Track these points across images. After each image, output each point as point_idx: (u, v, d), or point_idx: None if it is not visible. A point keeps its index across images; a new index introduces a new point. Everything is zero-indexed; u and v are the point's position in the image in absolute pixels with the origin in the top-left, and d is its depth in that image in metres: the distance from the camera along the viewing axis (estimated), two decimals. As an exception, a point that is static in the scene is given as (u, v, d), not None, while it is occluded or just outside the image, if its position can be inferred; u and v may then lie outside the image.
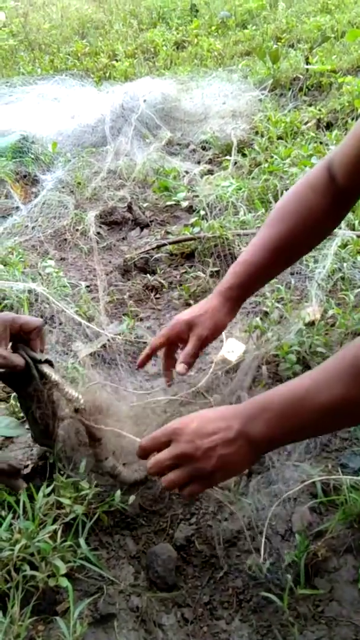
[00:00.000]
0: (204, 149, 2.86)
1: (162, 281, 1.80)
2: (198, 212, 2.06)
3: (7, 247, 2.01)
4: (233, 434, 0.77)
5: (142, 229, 2.24)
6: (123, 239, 2.24)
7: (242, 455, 0.77)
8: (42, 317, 1.62)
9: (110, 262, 2.04)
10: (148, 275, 1.86)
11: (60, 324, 1.59)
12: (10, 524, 0.92)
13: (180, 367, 1.04)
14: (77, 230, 2.25)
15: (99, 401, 1.01)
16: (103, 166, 2.76)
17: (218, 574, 0.95)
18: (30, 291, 1.61)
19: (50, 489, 0.97)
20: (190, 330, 1.06)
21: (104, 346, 1.52)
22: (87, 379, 1.36)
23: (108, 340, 1.52)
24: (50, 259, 1.90)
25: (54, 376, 0.95)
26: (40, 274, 1.78)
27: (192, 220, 2.01)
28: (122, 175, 2.68)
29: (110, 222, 2.33)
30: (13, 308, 1.59)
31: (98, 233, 2.22)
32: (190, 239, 1.89)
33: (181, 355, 1.06)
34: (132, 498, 1.00)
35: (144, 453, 0.85)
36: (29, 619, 0.83)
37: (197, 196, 2.19)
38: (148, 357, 1.12)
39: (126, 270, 1.94)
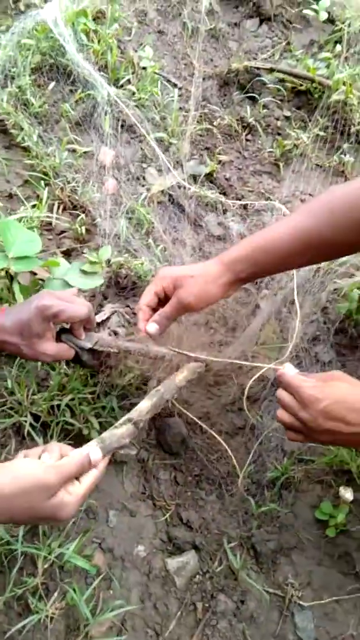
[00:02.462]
0: None
1: (260, 120, 1.58)
2: (338, 32, 1.66)
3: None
4: (356, 433, 0.78)
5: (261, 22, 1.83)
6: (235, 25, 1.85)
7: (353, 446, 0.84)
8: (119, 121, 1.47)
9: (211, 60, 1.73)
10: (247, 100, 1.62)
11: (140, 141, 1.46)
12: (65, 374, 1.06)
13: (150, 326, 0.94)
14: (187, -8, 1.82)
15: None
16: None
17: (213, 456, 1.15)
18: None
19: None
20: (174, 289, 0.94)
21: (178, 186, 1.44)
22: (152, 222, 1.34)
23: (181, 181, 1.43)
24: (148, 45, 1.59)
25: (113, 350, 0.95)
26: (133, 63, 1.53)
27: (323, 54, 1.65)
28: None
29: (230, -8, 1.88)
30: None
31: (209, 4, 1.82)
32: (306, 79, 1.59)
33: (156, 313, 0.95)
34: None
35: (278, 378, 0.84)
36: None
37: (345, 8, 1.73)
38: (147, 321, 0.96)
39: (225, 83, 1.67)
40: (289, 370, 0.84)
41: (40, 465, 0.70)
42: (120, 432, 0.83)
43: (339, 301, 1.26)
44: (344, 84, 1.48)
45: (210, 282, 0.92)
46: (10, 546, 0.91)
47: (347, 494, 1.07)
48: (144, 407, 0.89)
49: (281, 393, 0.83)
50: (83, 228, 1.30)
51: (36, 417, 1.06)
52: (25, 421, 1.04)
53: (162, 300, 0.97)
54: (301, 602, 1.01)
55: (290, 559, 1.06)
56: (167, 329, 0.96)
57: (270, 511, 1.09)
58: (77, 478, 0.74)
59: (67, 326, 0.94)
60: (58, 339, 0.93)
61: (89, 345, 0.94)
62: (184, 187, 1.42)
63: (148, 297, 0.96)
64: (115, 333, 1.03)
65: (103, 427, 1.09)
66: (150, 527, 1.06)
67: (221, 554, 1.05)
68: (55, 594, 0.90)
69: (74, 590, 0.90)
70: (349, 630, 0.99)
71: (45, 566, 0.92)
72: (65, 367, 1.09)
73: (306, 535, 1.08)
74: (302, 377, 0.83)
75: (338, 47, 1.58)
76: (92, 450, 0.76)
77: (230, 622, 1.00)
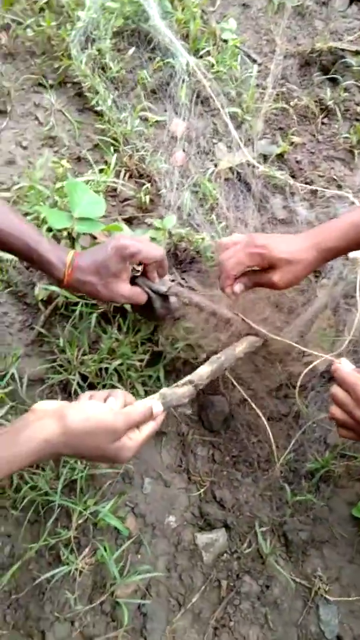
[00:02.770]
0: None
1: (339, 104, 1.52)
2: None
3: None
4: None
5: (351, 2, 1.75)
6: (324, 3, 1.77)
7: None
8: (194, 93, 1.45)
9: (295, 38, 1.67)
10: (327, 82, 1.56)
11: (213, 115, 1.43)
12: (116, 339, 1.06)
13: (238, 286, 0.93)
14: None
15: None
16: None
17: (253, 439, 1.14)
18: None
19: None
20: (269, 268, 0.91)
21: (247, 164, 1.41)
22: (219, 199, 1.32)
23: (251, 159, 1.39)
24: (232, 17, 1.55)
25: (186, 300, 0.95)
26: (215, 35, 1.49)
27: None
28: None
29: None
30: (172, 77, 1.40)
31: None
32: None
33: (244, 277, 0.93)
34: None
35: (333, 373, 0.82)
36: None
37: None
38: (232, 283, 0.94)
39: (307, 63, 1.61)
40: (345, 366, 0.81)
41: (110, 411, 0.74)
42: (181, 391, 0.87)
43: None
44: None
45: (305, 269, 0.92)
46: (49, 497, 0.93)
47: (388, 495, 1.04)
48: (204, 371, 0.92)
49: (336, 389, 0.81)
50: (147, 197, 1.29)
51: (84, 378, 1.08)
52: (74, 380, 1.06)
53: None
54: (327, 596, 0.99)
55: (321, 552, 1.04)
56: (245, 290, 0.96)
57: (305, 502, 1.07)
58: (137, 426, 0.78)
59: (140, 272, 0.97)
60: (132, 283, 0.94)
61: (163, 289, 0.96)
62: (253, 166, 1.38)
63: (238, 268, 0.92)
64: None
65: (147, 395, 1.09)
66: (183, 500, 1.06)
67: (251, 537, 1.04)
68: (87, 550, 0.92)
69: (105, 548, 0.91)
70: (374, 631, 0.96)
71: (80, 521, 0.94)
72: (116, 332, 1.10)
73: (340, 531, 1.05)
74: (355, 374, 0.80)
75: None
76: (155, 403, 0.81)
77: (253, 604, 0.99)
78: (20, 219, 0.91)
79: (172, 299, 0.98)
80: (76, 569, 0.90)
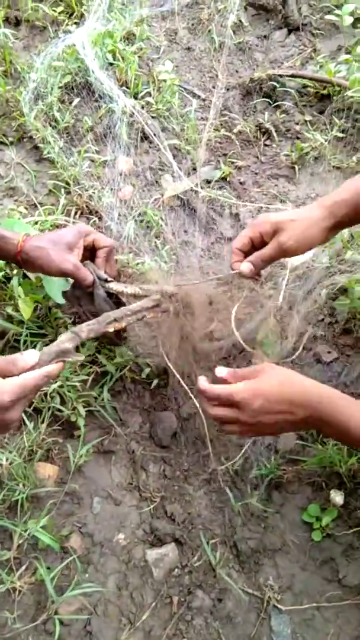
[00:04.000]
0: None
1: (279, 126, 1.57)
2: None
3: (134, 17, 1.74)
4: (298, 419, 0.78)
5: (289, 32, 1.83)
6: (264, 37, 1.86)
7: (298, 430, 0.86)
8: (138, 132, 1.52)
9: (236, 71, 1.75)
10: (269, 106, 1.62)
11: (158, 150, 1.50)
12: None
13: (245, 265, 0.95)
14: (217, 7, 1.86)
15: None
16: None
17: (202, 452, 1.13)
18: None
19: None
20: (274, 234, 0.92)
21: (192, 190, 1.46)
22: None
23: (194, 185, 1.45)
24: (169, 60, 1.64)
25: (127, 289, 0.98)
26: (154, 77, 1.58)
27: (343, 56, 1.61)
28: None
29: (259, 5, 1.90)
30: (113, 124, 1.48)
31: (239, 21, 1.85)
32: (325, 82, 1.55)
33: (253, 255, 0.95)
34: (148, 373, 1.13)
35: (203, 394, 0.83)
36: (50, 437, 1.07)
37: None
38: (239, 259, 0.98)
39: (248, 92, 1.68)
40: (203, 383, 0.82)
41: None
42: (61, 337, 0.87)
43: (340, 299, 1.20)
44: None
45: (312, 226, 0.91)
46: (-11, 520, 0.95)
47: (337, 497, 1.01)
48: (90, 322, 0.93)
49: (215, 410, 0.81)
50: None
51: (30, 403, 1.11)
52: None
53: (257, 245, 0.96)
54: (279, 606, 0.96)
55: (274, 561, 1.01)
56: (260, 272, 0.97)
57: (256, 510, 1.05)
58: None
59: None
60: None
61: (105, 276, 1.01)
62: (196, 192, 1.43)
63: (242, 240, 0.95)
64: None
65: (92, 415, 1.11)
66: (134, 517, 1.06)
67: (202, 550, 1.02)
68: (23, 569, 0.93)
69: (44, 567, 0.92)
70: (326, 635, 0.92)
71: (20, 541, 0.95)
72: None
73: (291, 538, 1.02)
74: (231, 383, 0.81)
75: (359, 49, 1.53)
76: (29, 353, 0.79)
77: (206, 619, 0.97)
78: None
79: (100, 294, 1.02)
80: (14, 589, 0.90)
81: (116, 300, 1.05)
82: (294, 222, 0.91)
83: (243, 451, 1.10)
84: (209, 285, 1.13)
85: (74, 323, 1.17)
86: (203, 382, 0.83)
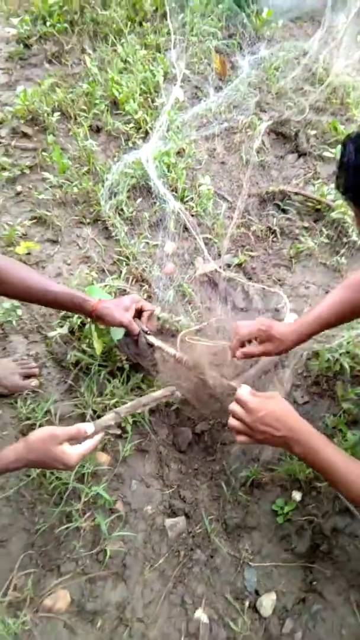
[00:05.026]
0: None
1: (284, 228, 2.11)
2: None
3: (185, 138, 2.33)
4: (278, 435, 1.12)
5: (299, 156, 2.40)
6: (281, 157, 2.43)
7: (276, 445, 1.18)
8: (182, 225, 2.07)
9: (257, 183, 2.31)
10: (278, 212, 2.17)
11: (194, 239, 2.05)
12: (115, 387, 1.60)
13: (239, 353, 1.44)
14: (247, 133, 2.46)
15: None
16: (307, 46, 2.71)
17: (208, 458, 1.61)
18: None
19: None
20: (267, 339, 1.40)
21: (216, 271, 1.99)
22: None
23: (218, 268, 1.98)
24: (208, 175, 2.22)
25: (157, 343, 1.50)
26: (196, 190, 2.15)
27: (332, 184, 2.16)
28: (317, 75, 2.66)
29: (279, 132, 2.49)
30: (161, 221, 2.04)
31: (262, 142, 2.43)
32: (318, 201, 2.10)
33: (247, 348, 1.43)
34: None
35: (235, 396, 1.19)
36: (106, 436, 1.56)
37: None
38: (239, 347, 1.45)
39: (264, 200, 2.23)
40: (242, 389, 1.30)
41: (54, 427, 1.18)
42: (107, 417, 1.31)
43: (312, 360, 1.69)
44: (342, 207, 1.98)
45: (289, 347, 1.42)
46: (67, 484, 1.44)
47: (297, 495, 1.48)
48: (127, 405, 1.40)
49: (234, 406, 1.25)
50: (145, 295, 1.88)
51: (95, 412, 1.60)
52: (87, 414, 1.59)
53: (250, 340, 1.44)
54: (251, 563, 1.41)
55: (250, 535, 1.46)
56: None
57: (242, 500, 1.51)
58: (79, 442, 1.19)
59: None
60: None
61: (146, 329, 1.52)
62: (218, 272, 1.96)
63: (249, 335, 1.41)
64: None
65: (135, 425, 1.60)
66: (158, 496, 1.53)
67: (202, 523, 1.48)
68: (87, 515, 1.40)
69: (100, 515, 1.39)
70: (279, 586, 1.36)
71: (85, 499, 1.42)
72: (116, 382, 1.63)
73: (264, 520, 1.48)
74: (251, 395, 1.28)
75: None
76: (88, 425, 1.22)
77: (201, 568, 1.42)
78: (60, 285, 1.48)
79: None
80: (80, 527, 1.38)
81: (151, 346, 1.56)
82: (281, 342, 1.40)
83: (240, 447, 1.57)
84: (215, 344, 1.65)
85: (127, 360, 1.67)
86: (243, 389, 1.20)
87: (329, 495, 1.47)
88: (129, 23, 2.82)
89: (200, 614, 1.33)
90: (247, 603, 1.34)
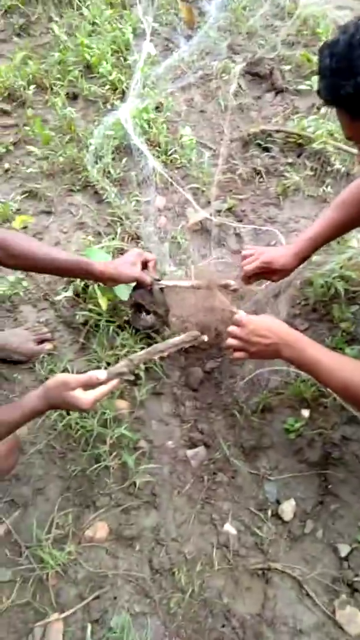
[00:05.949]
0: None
1: (268, 167, 2.14)
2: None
3: (162, 92, 2.34)
4: (269, 343, 1.24)
5: (276, 94, 2.40)
6: (258, 97, 2.43)
7: (268, 355, 1.29)
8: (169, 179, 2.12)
9: (238, 127, 2.33)
10: (261, 152, 2.19)
11: (175, 191, 2.10)
12: (124, 339, 1.70)
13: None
14: (222, 78, 2.45)
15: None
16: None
17: (220, 392, 1.71)
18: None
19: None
20: (267, 270, 1.54)
21: (207, 219, 2.04)
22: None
23: (208, 215, 2.03)
24: (188, 125, 2.24)
25: (171, 283, 1.58)
26: (178, 143, 2.18)
27: (312, 116, 2.17)
28: (286, 8, 2.62)
29: (254, 73, 2.48)
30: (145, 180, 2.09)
31: (239, 85, 2.43)
32: (299, 135, 2.12)
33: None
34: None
35: (233, 320, 1.31)
36: (122, 384, 1.66)
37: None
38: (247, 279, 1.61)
39: (246, 143, 2.25)
40: (240, 314, 1.37)
41: (68, 374, 1.32)
42: (119, 364, 1.36)
43: (307, 289, 1.76)
44: (323, 136, 2.00)
45: (291, 272, 1.58)
46: (92, 430, 1.55)
47: (305, 413, 1.58)
48: (141, 352, 1.43)
49: (230, 327, 1.34)
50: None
51: (108, 364, 1.70)
52: (101, 366, 1.69)
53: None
54: (270, 477, 1.52)
55: (266, 453, 1.57)
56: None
57: (255, 424, 1.62)
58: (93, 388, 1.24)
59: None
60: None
61: (157, 276, 1.61)
62: (210, 220, 2.02)
63: (253, 269, 1.55)
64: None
65: (147, 370, 1.70)
66: (177, 432, 1.64)
67: (221, 449, 1.59)
68: (113, 455, 1.52)
69: (126, 453, 1.51)
70: (298, 494, 1.48)
71: (110, 441, 1.54)
72: (125, 334, 1.73)
73: (277, 439, 1.59)
74: (246, 315, 1.33)
75: (323, 110, 2.10)
76: (99, 372, 1.26)
77: (225, 489, 1.53)
78: (64, 252, 1.56)
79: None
80: (108, 466, 1.50)
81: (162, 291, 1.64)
82: (282, 272, 1.55)
83: (248, 378, 1.66)
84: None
85: (136, 311, 1.75)
86: (241, 312, 1.33)
87: (336, 408, 1.56)
88: (91, -16, 2.79)
89: (229, 527, 1.45)
90: (269, 512, 1.46)
